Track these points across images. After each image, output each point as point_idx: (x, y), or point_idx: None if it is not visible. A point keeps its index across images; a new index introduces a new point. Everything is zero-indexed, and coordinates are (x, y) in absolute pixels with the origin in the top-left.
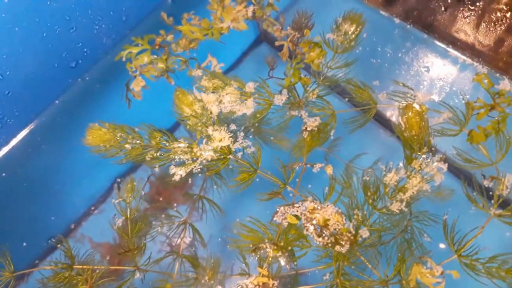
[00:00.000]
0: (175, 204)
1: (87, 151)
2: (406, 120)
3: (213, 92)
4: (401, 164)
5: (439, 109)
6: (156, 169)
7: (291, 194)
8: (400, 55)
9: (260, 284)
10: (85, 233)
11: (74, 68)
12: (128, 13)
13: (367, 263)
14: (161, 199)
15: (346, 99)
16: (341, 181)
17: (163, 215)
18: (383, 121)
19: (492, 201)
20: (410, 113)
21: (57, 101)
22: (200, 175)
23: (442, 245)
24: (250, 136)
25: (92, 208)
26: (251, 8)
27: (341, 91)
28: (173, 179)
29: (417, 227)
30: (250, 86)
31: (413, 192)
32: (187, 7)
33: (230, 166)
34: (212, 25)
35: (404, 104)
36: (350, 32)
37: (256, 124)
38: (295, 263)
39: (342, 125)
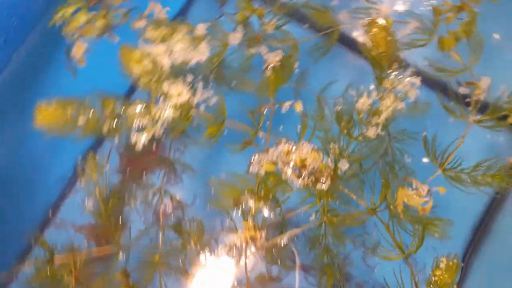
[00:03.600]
0: (145, 173)
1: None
2: (371, 38)
3: (161, 43)
4: (372, 87)
5: (405, 20)
6: (116, 140)
7: (263, 140)
8: None
9: (248, 238)
10: (64, 217)
11: (5, 43)
12: None
13: (351, 195)
14: (131, 170)
15: (307, 25)
16: (313, 116)
17: (135, 185)
18: (349, 44)
19: (470, 108)
20: (374, 29)
21: None
22: (165, 139)
23: (425, 159)
24: (210, 85)
25: (66, 190)
26: None
27: (301, 18)
28: (136, 147)
29: (397, 148)
30: (200, 29)
31: (388, 114)
32: None
33: (196, 122)
34: None
35: (368, 21)
36: None
37: (215, 70)
38: (280, 209)
39: (306, 56)
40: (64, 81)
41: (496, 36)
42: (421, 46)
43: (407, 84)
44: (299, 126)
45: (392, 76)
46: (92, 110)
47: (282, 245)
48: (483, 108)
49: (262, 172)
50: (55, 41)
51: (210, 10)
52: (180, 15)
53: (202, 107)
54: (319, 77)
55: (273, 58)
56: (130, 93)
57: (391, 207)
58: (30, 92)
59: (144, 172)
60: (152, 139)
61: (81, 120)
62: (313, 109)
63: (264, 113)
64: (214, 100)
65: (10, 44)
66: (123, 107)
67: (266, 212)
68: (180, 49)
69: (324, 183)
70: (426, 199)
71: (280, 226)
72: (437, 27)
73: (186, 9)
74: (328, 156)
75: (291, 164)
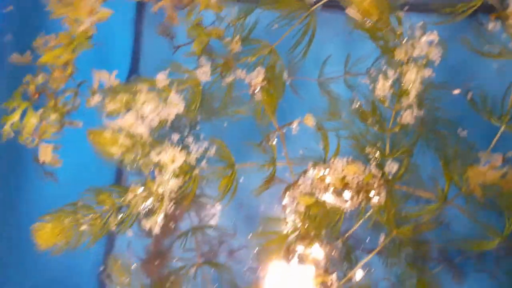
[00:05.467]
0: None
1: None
2: (358, 8)
3: (128, 111)
4: (383, 62)
5: None
6: (130, 234)
7: (287, 173)
8: None
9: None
10: None
11: None
12: None
13: (414, 192)
14: (157, 262)
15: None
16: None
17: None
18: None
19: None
20: None
21: None
22: (178, 211)
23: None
24: (202, 136)
25: None
26: None
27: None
28: (153, 234)
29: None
30: (161, 79)
31: (417, 89)
32: (33, 31)
33: (204, 181)
34: (74, 33)
35: None
36: None
37: (198, 118)
38: (341, 241)
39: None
40: (49, 190)
41: None
42: None
43: (424, 44)
44: (320, 143)
45: (401, 44)
46: (90, 212)
47: (358, 279)
48: None
49: (302, 208)
50: (19, 153)
51: (162, 50)
52: (134, 70)
53: (203, 163)
54: (312, 58)
55: (256, 79)
56: (119, 178)
57: (464, 189)
58: (19, 215)
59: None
60: (166, 218)
61: (84, 227)
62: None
63: (274, 141)
64: (213, 149)
65: None
66: (121, 196)
67: (323, 250)
68: (151, 110)
69: (378, 195)
70: (504, 170)
71: (349, 258)
72: None
73: (136, 63)
74: (369, 163)
75: (331, 188)
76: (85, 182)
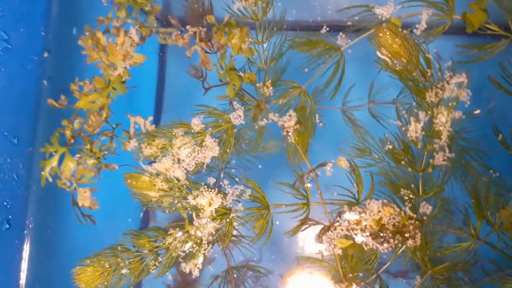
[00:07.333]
0: None
1: None
2: (387, 51)
3: (164, 156)
4: (414, 104)
5: (413, 12)
6: (169, 277)
7: (322, 214)
8: None
9: None
10: None
11: (9, 228)
12: (15, 132)
13: (447, 229)
14: None
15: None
16: (358, 153)
17: None
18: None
19: None
20: (386, 39)
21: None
22: (216, 255)
23: None
24: (237, 179)
25: None
26: (132, 31)
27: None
28: (193, 277)
29: (476, 162)
30: (196, 123)
31: (448, 131)
32: (68, 77)
33: (240, 222)
34: (108, 79)
35: (373, 30)
36: None
37: (233, 161)
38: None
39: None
40: (88, 234)
41: None
42: (444, 32)
43: (453, 86)
44: (354, 185)
45: (432, 85)
46: (130, 256)
47: None
48: None
49: (339, 250)
50: (57, 198)
51: (193, 92)
52: (166, 113)
53: (239, 205)
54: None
55: (289, 123)
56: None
57: (496, 228)
58: (60, 261)
59: None
60: (205, 261)
61: (125, 270)
62: (351, 142)
63: (308, 182)
64: (248, 192)
65: (17, 222)
66: (161, 239)
67: None
68: (187, 154)
69: (414, 236)
70: None
71: None
72: (453, 3)
73: (168, 103)
74: (405, 204)
75: (367, 232)
76: (112, 222)
